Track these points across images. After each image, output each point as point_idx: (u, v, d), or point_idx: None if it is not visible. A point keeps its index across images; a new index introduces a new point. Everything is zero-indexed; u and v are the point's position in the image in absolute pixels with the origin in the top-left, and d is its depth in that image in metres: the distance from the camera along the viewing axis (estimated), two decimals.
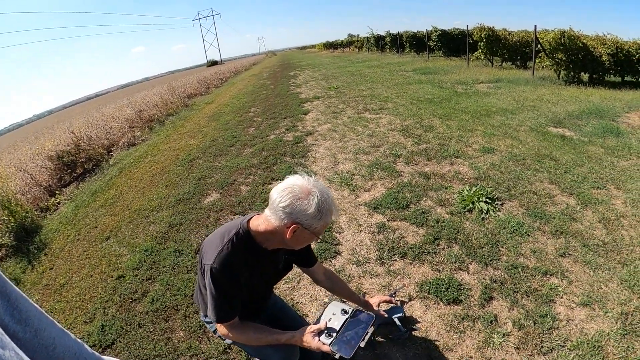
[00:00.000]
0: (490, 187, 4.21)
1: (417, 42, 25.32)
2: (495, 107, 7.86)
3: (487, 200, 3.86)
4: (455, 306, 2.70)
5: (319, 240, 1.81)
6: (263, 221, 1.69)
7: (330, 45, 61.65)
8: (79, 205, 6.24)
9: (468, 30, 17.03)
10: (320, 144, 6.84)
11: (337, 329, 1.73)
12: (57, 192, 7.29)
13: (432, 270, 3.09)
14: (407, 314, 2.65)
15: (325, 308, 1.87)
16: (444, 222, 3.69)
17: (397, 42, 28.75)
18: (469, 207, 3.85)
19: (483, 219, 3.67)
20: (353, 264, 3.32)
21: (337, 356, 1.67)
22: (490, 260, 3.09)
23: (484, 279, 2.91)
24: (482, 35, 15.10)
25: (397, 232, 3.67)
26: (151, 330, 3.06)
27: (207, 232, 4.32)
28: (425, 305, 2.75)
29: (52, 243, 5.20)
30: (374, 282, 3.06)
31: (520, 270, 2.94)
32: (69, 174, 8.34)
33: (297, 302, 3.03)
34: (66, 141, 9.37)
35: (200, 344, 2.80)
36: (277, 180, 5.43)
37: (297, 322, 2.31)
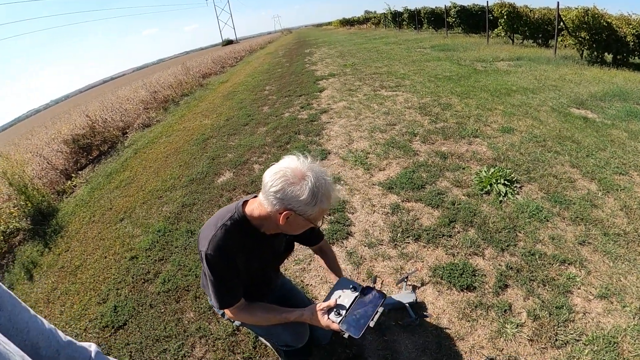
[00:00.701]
0: (509, 168, 4.08)
1: (436, 19, 24.67)
2: (516, 86, 7.61)
3: (506, 182, 3.74)
4: (469, 293, 2.62)
5: (318, 226, 1.69)
6: (257, 206, 1.63)
7: (347, 22, 61.11)
8: (94, 187, 6.30)
9: (488, 7, 16.53)
10: (335, 122, 6.75)
11: (347, 306, 1.67)
12: (73, 175, 7.40)
13: (446, 254, 3.01)
14: (418, 300, 2.59)
15: (335, 284, 1.81)
16: (460, 204, 3.59)
17: (415, 19, 28.07)
18: (486, 189, 3.74)
19: (501, 202, 3.56)
20: (365, 246, 3.26)
21: (345, 335, 1.61)
22: (507, 246, 2.99)
23: (499, 265, 2.81)
24: (503, 12, 14.64)
25: (412, 213, 3.58)
26: (162, 310, 3.09)
27: None
28: (438, 291, 2.68)
29: (68, 225, 5.26)
30: (386, 265, 3.00)
31: (537, 257, 2.84)
32: (84, 157, 8.43)
33: (307, 284, 3.00)
34: (82, 125, 9.47)
35: (210, 325, 2.81)
36: None
37: (305, 304, 2.21)
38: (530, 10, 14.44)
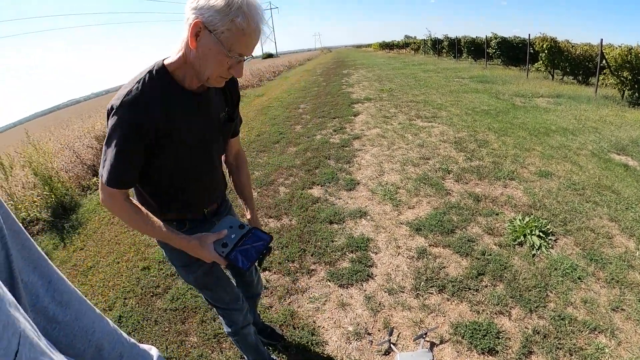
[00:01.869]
0: (545, 218, 3.91)
1: (476, 49, 24.72)
2: (555, 126, 7.43)
3: (541, 234, 3.58)
4: (490, 357, 2.46)
5: (228, 61, 1.35)
6: (176, 49, 1.42)
7: (386, 46, 61.72)
8: None
9: (530, 40, 16.45)
10: (367, 149, 6.67)
11: (235, 242, 1.59)
12: None
13: (470, 310, 2.85)
14: (435, 359, 2.46)
15: (220, 220, 1.69)
16: (490, 254, 3.44)
17: (454, 47, 28.16)
18: (519, 240, 3.58)
19: (534, 255, 3.40)
20: (385, 292, 3.13)
21: (223, 266, 1.68)
22: (536, 307, 2.82)
23: (526, 328, 2.65)
24: (544, 46, 14.54)
25: (438, 260, 3.45)
26: (166, 329, 3.03)
27: None
28: (457, 352, 2.52)
29: (87, 223, 5.29)
30: (405, 315, 2.86)
31: (567, 322, 2.66)
32: None
33: (319, 327, 2.87)
34: None
35: (212, 353, 2.73)
36: (317, 184, 5.35)
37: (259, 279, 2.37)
38: (572, 46, 14.28)
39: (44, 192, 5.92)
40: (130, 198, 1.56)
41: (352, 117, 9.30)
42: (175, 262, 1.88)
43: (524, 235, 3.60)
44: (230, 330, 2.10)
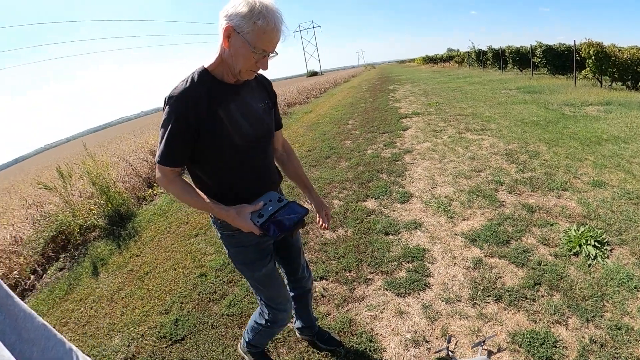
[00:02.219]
0: (600, 228, 3.91)
1: (521, 58, 24.33)
2: (606, 134, 7.29)
3: (596, 244, 3.61)
4: None
5: (254, 56, 1.65)
6: (215, 53, 1.74)
7: (430, 60, 61.38)
8: (173, 199, 6.64)
9: (575, 46, 16.00)
10: (419, 163, 6.80)
11: (271, 213, 1.78)
12: (154, 184, 7.86)
13: (527, 320, 2.87)
14: None
15: (263, 195, 1.88)
16: (546, 264, 3.47)
17: (499, 58, 27.75)
18: (575, 250, 3.61)
19: (590, 265, 3.42)
20: (442, 301, 3.18)
21: (258, 234, 1.75)
22: (593, 317, 2.82)
23: (583, 337, 2.65)
24: (591, 52, 14.11)
25: (494, 270, 3.49)
26: (223, 333, 3.17)
27: None
28: None
29: (143, 231, 5.59)
30: (463, 324, 2.90)
31: (624, 331, 2.66)
32: None
33: (377, 334, 2.95)
34: None
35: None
36: (371, 197, 5.51)
37: (304, 267, 2.50)
38: (619, 50, 13.77)
39: (101, 201, 6.28)
40: (180, 174, 1.83)
41: (402, 132, 9.45)
42: (237, 260, 2.10)
43: (580, 246, 3.64)
44: (265, 324, 2.33)
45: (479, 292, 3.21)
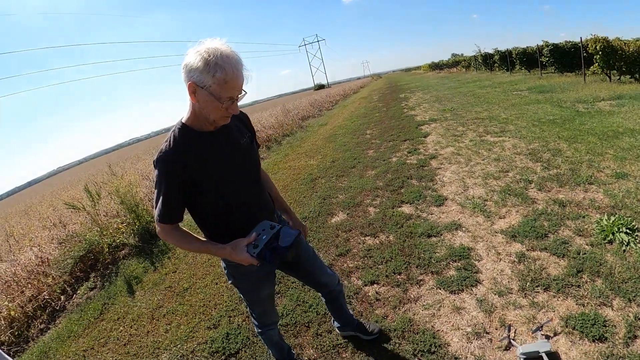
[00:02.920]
0: (629, 216, 4.14)
1: (528, 59, 24.43)
2: (622, 128, 7.51)
3: (627, 231, 3.85)
4: (600, 344, 2.64)
5: (222, 105, 1.67)
6: (188, 106, 1.78)
7: (436, 66, 61.69)
8: None
9: (582, 43, 16.21)
10: (446, 167, 7.02)
11: (265, 242, 1.83)
12: None
13: (576, 304, 3.03)
14: (552, 349, 2.63)
15: (257, 226, 1.94)
16: (585, 253, 3.66)
17: (506, 60, 27.84)
18: (609, 238, 3.84)
19: (624, 251, 3.64)
20: (495, 294, 3.33)
21: (255, 262, 1.82)
22: (634, 297, 3.01)
23: (628, 316, 2.84)
24: (598, 48, 14.26)
25: (538, 262, 3.66)
26: None
27: (337, 251, 4.70)
28: (571, 341, 2.70)
29: (174, 248, 5.72)
30: (518, 314, 3.05)
31: None
32: None
33: (438, 330, 3.07)
34: None
35: None
36: (406, 203, 5.73)
37: (329, 277, 2.66)
38: (625, 43, 13.95)
39: (129, 220, 6.44)
40: (179, 225, 1.94)
41: (423, 139, 9.67)
42: (241, 285, 2.29)
43: (612, 234, 3.87)
44: (261, 331, 2.64)
45: (528, 283, 3.39)
